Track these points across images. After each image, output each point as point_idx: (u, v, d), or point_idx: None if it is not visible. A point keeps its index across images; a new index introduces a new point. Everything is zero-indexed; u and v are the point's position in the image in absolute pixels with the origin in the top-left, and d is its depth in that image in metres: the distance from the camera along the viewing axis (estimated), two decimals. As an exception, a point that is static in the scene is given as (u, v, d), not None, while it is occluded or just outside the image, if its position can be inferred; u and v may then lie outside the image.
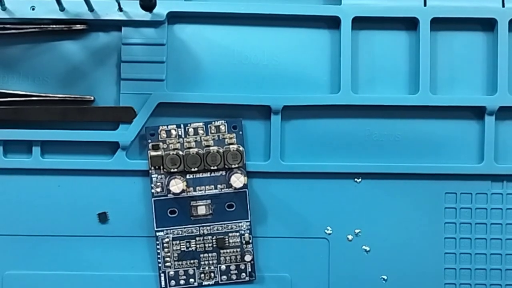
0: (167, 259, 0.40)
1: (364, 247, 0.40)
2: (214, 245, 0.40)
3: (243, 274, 0.40)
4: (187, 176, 0.39)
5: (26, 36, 0.40)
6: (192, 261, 0.40)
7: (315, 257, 0.40)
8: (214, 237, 0.40)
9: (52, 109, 0.39)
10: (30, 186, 0.40)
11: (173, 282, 0.40)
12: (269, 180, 0.40)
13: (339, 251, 0.40)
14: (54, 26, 0.39)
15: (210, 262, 0.40)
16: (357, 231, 0.40)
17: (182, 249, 0.40)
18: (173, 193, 0.39)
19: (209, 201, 0.40)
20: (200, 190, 0.40)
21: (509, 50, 0.40)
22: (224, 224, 0.40)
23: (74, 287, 0.40)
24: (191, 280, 0.40)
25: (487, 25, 0.40)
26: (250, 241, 0.40)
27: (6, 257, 0.40)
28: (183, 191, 0.39)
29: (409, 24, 0.40)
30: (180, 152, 0.39)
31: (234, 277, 0.40)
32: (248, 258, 0.40)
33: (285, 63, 0.40)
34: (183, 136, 0.40)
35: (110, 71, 0.40)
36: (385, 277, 0.40)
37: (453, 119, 0.40)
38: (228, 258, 0.40)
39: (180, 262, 0.40)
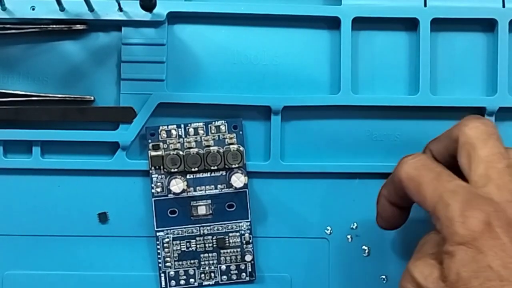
0: (167, 259, 0.40)
1: (364, 247, 0.40)
2: (214, 245, 0.40)
3: (243, 274, 0.40)
4: (188, 176, 0.39)
5: (26, 36, 0.40)
6: (192, 261, 0.40)
7: (315, 257, 0.40)
8: (214, 237, 0.40)
9: (52, 109, 0.39)
10: (30, 186, 0.40)
11: (173, 282, 0.40)
12: (269, 180, 0.40)
13: (339, 251, 0.40)
14: (54, 26, 0.39)
15: (210, 262, 0.40)
16: (356, 230, 0.40)
17: (182, 249, 0.40)
18: (174, 193, 0.39)
19: (209, 201, 0.40)
20: (201, 190, 0.40)
21: (509, 51, 0.40)
22: (224, 224, 0.40)
23: (74, 287, 0.40)
24: (191, 280, 0.40)
25: (487, 25, 0.40)
26: (250, 241, 0.40)
27: (6, 257, 0.40)
28: (183, 191, 0.39)
29: (409, 24, 0.40)
30: (181, 152, 0.39)
31: (234, 277, 0.40)
32: (248, 258, 0.40)
33: (285, 63, 0.40)
34: (183, 136, 0.40)
35: (110, 71, 0.40)
36: (385, 277, 0.40)
37: (453, 120, 0.40)
38: (228, 258, 0.40)
39: (180, 262, 0.40)
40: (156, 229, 0.40)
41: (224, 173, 0.40)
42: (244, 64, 0.40)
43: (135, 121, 0.39)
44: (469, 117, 0.34)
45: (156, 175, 0.40)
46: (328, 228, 0.40)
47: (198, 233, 0.40)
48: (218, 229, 0.40)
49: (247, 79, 0.40)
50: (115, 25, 0.40)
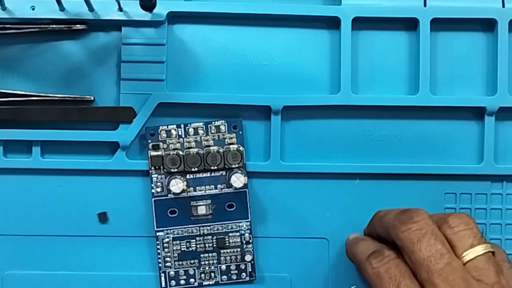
0: (167, 259, 0.40)
1: (364, 247, 0.40)
2: (214, 245, 0.40)
3: (243, 274, 0.40)
4: (187, 176, 0.39)
5: (26, 36, 0.40)
6: (192, 261, 0.40)
7: (315, 257, 0.40)
8: (214, 237, 0.40)
9: (52, 109, 0.39)
10: (30, 186, 0.40)
11: (173, 282, 0.40)
12: (269, 180, 0.40)
13: (339, 251, 0.40)
14: (54, 26, 0.39)
15: (210, 262, 0.40)
16: (356, 230, 0.40)
17: (182, 249, 0.40)
18: (173, 193, 0.39)
19: (209, 201, 0.40)
20: (200, 190, 0.40)
21: (509, 51, 0.40)
22: (224, 224, 0.40)
23: (74, 287, 0.40)
24: (191, 280, 0.40)
25: (487, 25, 0.40)
26: (250, 241, 0.40)
27: (6, 257, 0.40)
28: (183, 191, 0.39)
29: (409, 24, 0.40)
30: (180, 152, 0.39)
31: (234, 277, 0.40)
32: (248, 258, 0.40)
33: (285, 63, 0.40)
34: (183, 136, 0.40)
35: (110, 71, 0.40)
36: (385, 277, 0.40)
37: (453, 120, 0.40)
38: (228, 258, 0.40)
39: (180, 262, 0.40)
40: (156, 229, 0.40)
41: (224, 173, 0.40)
42: (244, 64, 0.40)
43: (135, 121, 0.39)
44: (399, 217, 0.34)
45: (156, 175, 0.40)
46: (328, 228, 0.40)
47: (198, 233, 0.40)
48: (218, 229, 0.40)
49: (247, 79, 0.40)
50: (115, 25, 0.40)
